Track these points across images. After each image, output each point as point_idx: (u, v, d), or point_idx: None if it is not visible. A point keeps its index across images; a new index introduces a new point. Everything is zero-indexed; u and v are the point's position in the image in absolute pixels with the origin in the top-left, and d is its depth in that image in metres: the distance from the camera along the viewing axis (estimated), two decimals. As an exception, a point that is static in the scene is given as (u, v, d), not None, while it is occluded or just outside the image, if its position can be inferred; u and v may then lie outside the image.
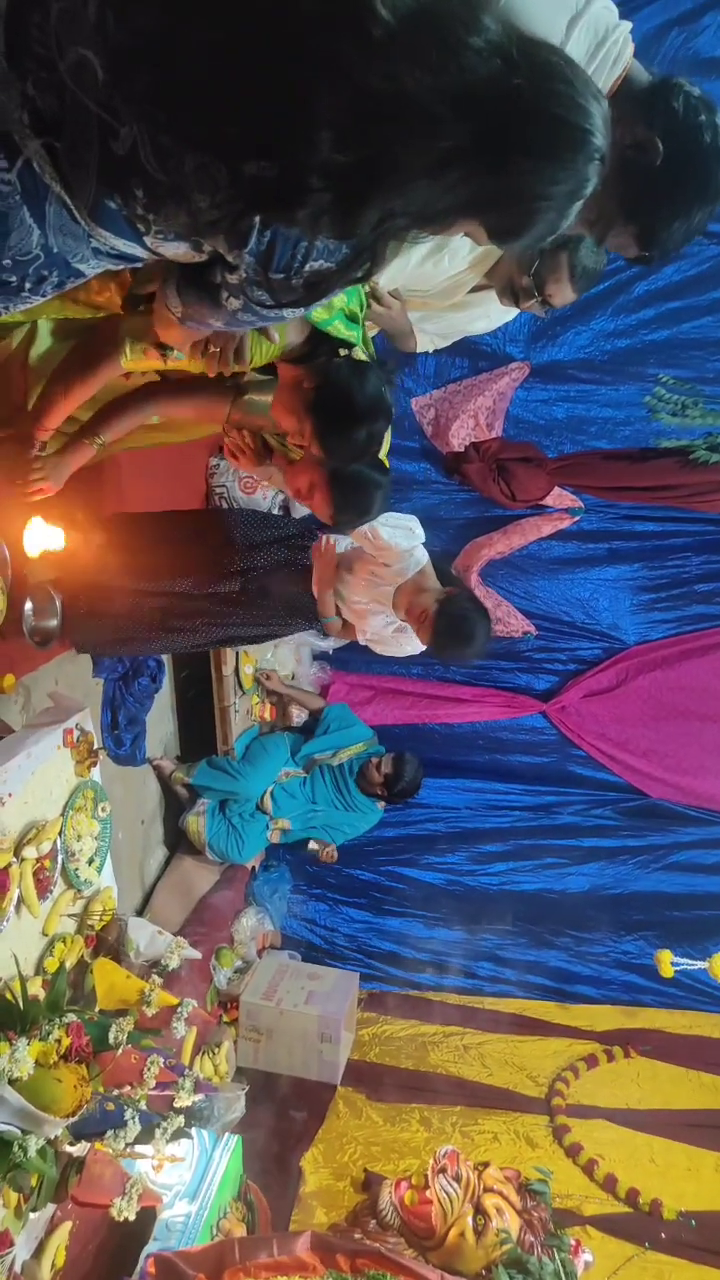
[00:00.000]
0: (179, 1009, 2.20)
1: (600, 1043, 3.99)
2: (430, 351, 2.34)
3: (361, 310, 1.82)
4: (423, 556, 2.41)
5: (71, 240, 0.94)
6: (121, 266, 1.03)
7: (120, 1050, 1.92)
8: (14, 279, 0.95)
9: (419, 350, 2.24)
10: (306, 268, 0.94)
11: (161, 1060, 2.04)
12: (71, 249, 0.95)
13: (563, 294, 1.91)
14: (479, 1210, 2.41)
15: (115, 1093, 1.97)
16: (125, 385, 1.98)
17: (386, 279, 1.98)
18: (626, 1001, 4.08)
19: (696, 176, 1.30)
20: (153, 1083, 2.02)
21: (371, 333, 2.05)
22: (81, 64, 0.78)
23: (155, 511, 2.60)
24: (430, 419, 3.67)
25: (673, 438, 3.54)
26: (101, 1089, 1.94)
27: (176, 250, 0.96)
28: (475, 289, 2.01)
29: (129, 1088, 2.01)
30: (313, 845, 3.91)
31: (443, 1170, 2.48)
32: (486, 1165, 2.58)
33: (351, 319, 1.76)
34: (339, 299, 1.68)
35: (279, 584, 2.61)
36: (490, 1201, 2.41)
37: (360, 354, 1.81)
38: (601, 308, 3.48)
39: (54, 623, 2.36)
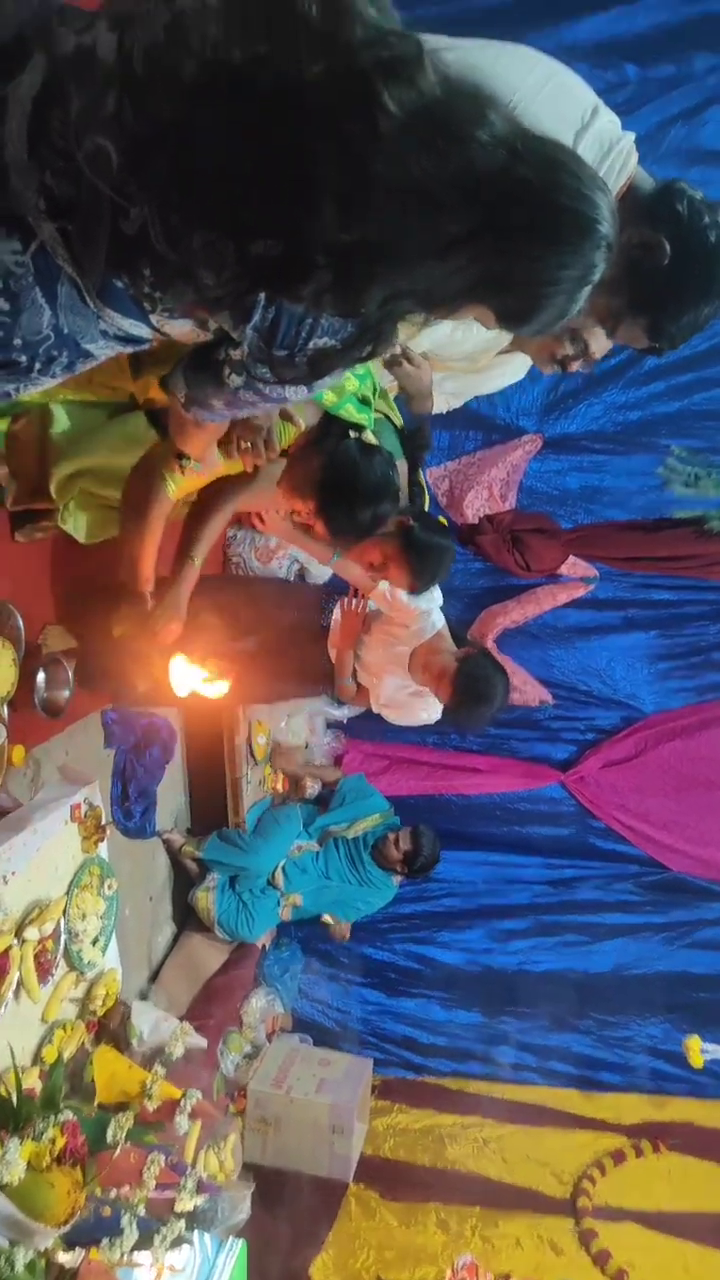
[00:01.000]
0: (182, 1101, 2.10)
1: (628, 1136, 3.79)
2: (445, 411, 2.38)
3: (374, 394, 1.86)
4: (439, 620, 2.41)
5: (81, 321, 0.95)
6: (129, 349, 1.04)
7: (119, 1149, 1.81)
8: (24, 359, 0.97)
9: (435, 410, 2.29)
10: (310, 345, 0.94)
11: (162, 1159, 1.93)
12: (81, 330, 0.97)
13: (602, 346, 1.95)
14: (501, 1327, 2.23)
15: (113, 1194, 1.86)
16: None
17: (417, 343, 2.03)
18: (654, 1090, 3.89)
19: (702, 274, 1.37)
20: (153, 1184, 1.91)
21: (393, 394, 2.08)
22: (98, 152, 0.80)
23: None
24: (445, 490, 3.70)
25: (686, 508, 3.55)
26: (99, 1190, 1.83)
27: (181, 328, 0.97)
28: (500, 351, 2.05)
29: (127, 1188, 1.90)
30: (326, 919, 3.79)
31: (462, 1282, 2.31)
32: (508, 1277, 2.40)
33: (364, 402, 1.79)
34: (351, 383, 1.72)
35: (296, 644, 2.60)
36: (513, 1318, 2.23)
37: (371, 437, 1.83)
38: (613, 381, 3.53)
39: (66, 693, 2.33)
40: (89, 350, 1.00)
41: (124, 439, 1.81)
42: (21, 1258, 1.57)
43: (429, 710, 2.58)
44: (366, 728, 3.91)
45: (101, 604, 2.06)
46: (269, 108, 0.76)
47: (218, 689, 1.92)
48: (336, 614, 2.62)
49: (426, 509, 2.10)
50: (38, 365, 0.98)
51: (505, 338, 2.00)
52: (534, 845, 3.92)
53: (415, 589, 2.11)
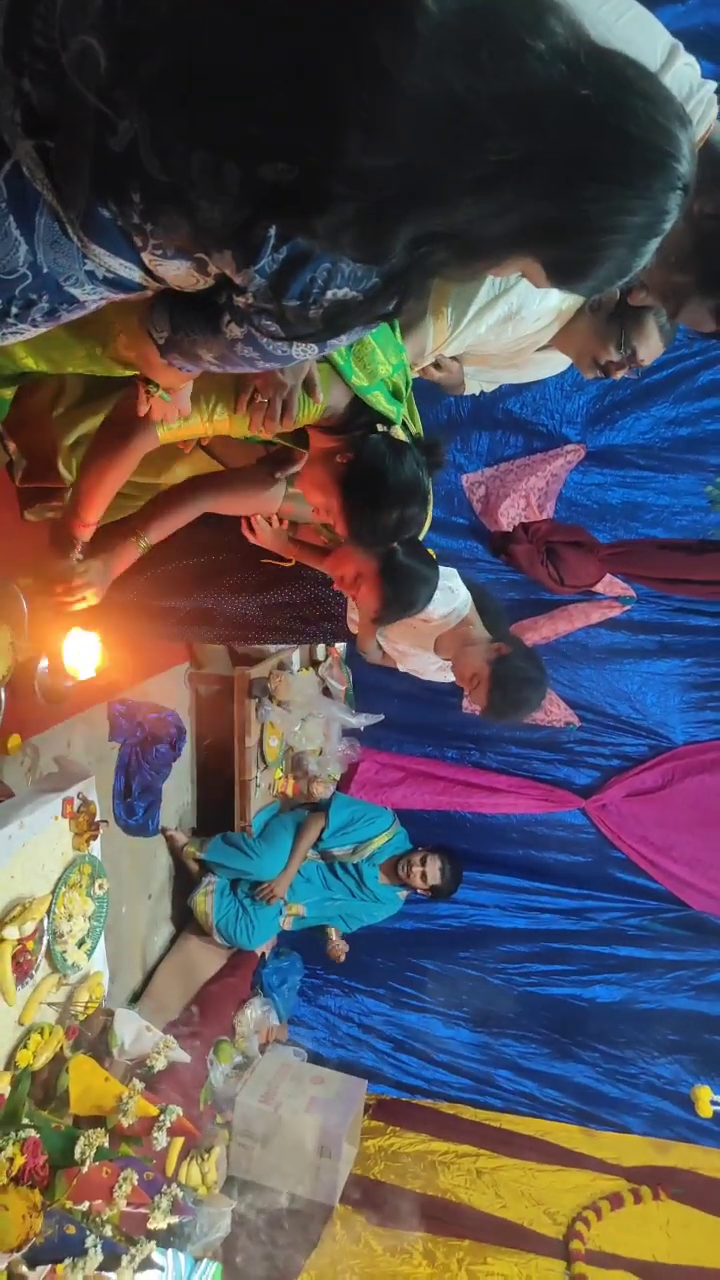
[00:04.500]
0: (161, 1118, 2.00)
1: (627, 1180, 3.66)
2: (478, 394, 2.26)
3: (407, 386, 1.73)
4: (464, 607, 2.21)
5: (63, 258, 0.83)
6: (119, 295, 0.91)
7: (85, 1168, 1.72)
8: None
9: (468, 393, 2.17)
10: (327, 295, 0.81)
11: (135, 1177, 1.84)
12: (63, 269, 0.84)
13: (652, 353, 1.83)
14: None
15: (82, 1208, 1.77)
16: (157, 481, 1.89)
17: (452, 349, 1.91)
18: (658, 1134, 3.74)
19: None
20: (123, 1203, 1.81)
21: (414, 373, 1.95)
22: (84, 53, 0.69)
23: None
24: (480, 496, 3.58)
25: (733, 532, 3.40)
26: (68, 1203, 1.74)
27: (177, 271, 0.84)
28: (539, 349, 1.94)
29: (99, 1203, 1.80)
30: (329, 930, 3.70)
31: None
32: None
33: (395, 394, 1.66)
34: (384, 368, 1.58)
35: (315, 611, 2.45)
36: None
37: (400, 433, 1.70)
38: (663, 394, 3.39)
39: (69, 682, 2.25)
40: (73, 294, 0.88)
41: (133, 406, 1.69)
42: (-29, 1279, 1.49)
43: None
44: (383, 736, 3.81)
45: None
46: (283, 2, 0.65)
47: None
48: (353, 615, 2.48)
49: (427, 530, 1.90)
50: (14, 309, 0.86)
51: (544, 337, 1.89)
52: (550, 871, 3.80)
53: (380, 618, 1.88)
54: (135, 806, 2.94)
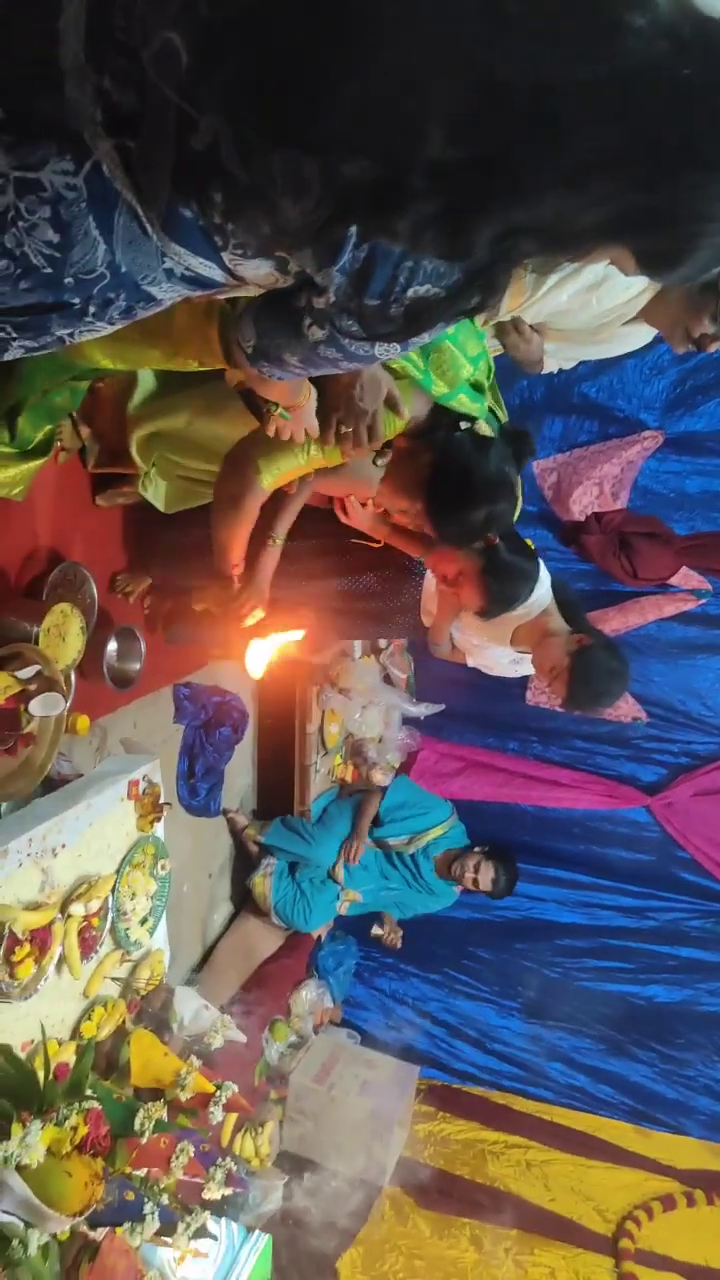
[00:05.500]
0: (217, 1094, 2.05)
1: (681, 1183, 3.60)
2: (556, 371, 2.19)
3: (490, 375, 1.69)
4: (546, 598, 2.16)
5: (142, 257, 0.83)
6: (198, 293, 0.90)
7: (145, 1139, 1.77)
8: (77, 300, 0.85)
9: (545, 370, 2.12)
10: (409, 294, 0.79)
11: (192, 1148, 1.88)
12: (142, 268, 0.84)
13: None
14: None
15: (141, 1175, 1.82)
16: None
17: (531, 315, 1.86)
18: (715, 1139, 3.67)
19: None
20: (180, 1173, 1.86)
21: (496, 354, 1.92)
22: (166, 49, 0.68)
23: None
24: (552, 483, 3.49)
25: None
26: (127, 1169, 1.79)
27: (258, 271, 0.83)
28: (625, 323, 1.88)
29: (156, 1170, 1.86)
30: (376, 931, 3.72)
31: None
32: (538, 1322, 2.27)
33: (476, 389, 1.63)
34: (465, 369, 1.55)
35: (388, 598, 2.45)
36: None
37: (485, 428, 1.67)
38: (748, 380, 3.25)
39: (137, 665, 2.29)
40: (150, 293, 0.87)
41: (206, 403, 1.72)
42: (35, 1241, 1.54)
43: (526, 669, 2.39)
44: (444, 726, 3.78)
45: (192, 574, 2.03)
46: None
47: (292, 637, 1.96)
48: (430, 585, 2.44)
49: (517, 520, 1.91)
50: (92, 308, 0.86)
51: (632, 309, 1.81)
52: (611, 868, 3.73)
53: (486, 613, 1.92)
54: (198, 787, 2.99)
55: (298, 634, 2.01)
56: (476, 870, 3.42)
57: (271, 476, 1.62)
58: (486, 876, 3.42)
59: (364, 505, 1.99)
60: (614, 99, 0.61)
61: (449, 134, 0.63)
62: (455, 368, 1.53)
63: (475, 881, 3.44)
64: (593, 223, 0.68)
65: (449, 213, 0.67)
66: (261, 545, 1.87)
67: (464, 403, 1.58)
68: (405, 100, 0.63)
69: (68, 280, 0.82)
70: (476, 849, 3.50)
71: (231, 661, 2.13)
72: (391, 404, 1.50)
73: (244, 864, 3.46)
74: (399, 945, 3.67)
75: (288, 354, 0.97)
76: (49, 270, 0.80)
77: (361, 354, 0.90)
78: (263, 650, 1.96)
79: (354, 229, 0.74)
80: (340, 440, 1.52)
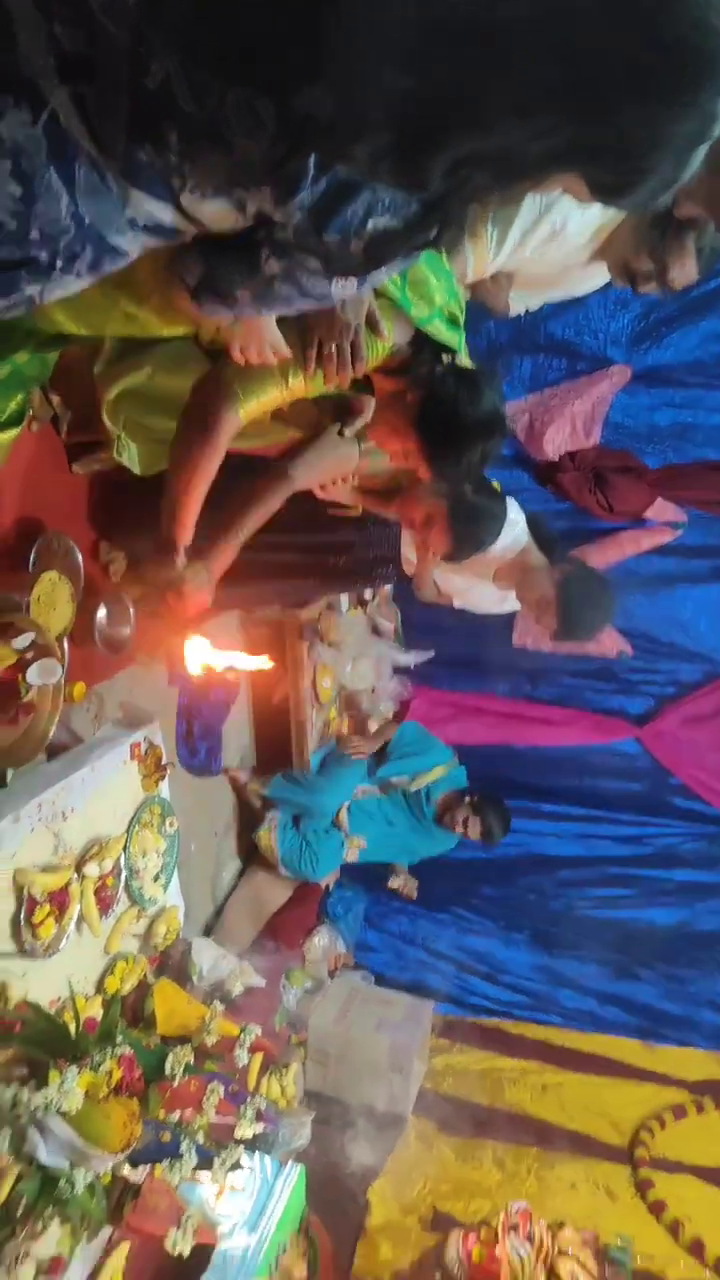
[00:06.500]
0: (242, 1036, 2.12)
1: (690, 1092, 3.74)
2: (523, 312, 2.20)
3: (462, 312, 1.69)
4: (523, 536, 2.20)
5: (104, 207, 0.84)
6: (159, 241, 0.91)
7: (177, 1082, 1.84)
8: (44, 255, 0.86)
9: (511, 314, 2.13)
10: (368, 226, 0.80)
11: (222, 1088, 1.96)
12: (105, 218, 0.85)
13: (686, 275, 1.77)
14: (551, 1274, 2.24)
15: (175, 1118, 1.90)
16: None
17: (499, 262, 1.87)
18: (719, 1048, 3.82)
19: None
20: (212, 1113, 1.94)
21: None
22: None
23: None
24: (524, 425, 3.51)
25: (789, 448, 3.30)
26: (161, 1112, 1.87)
27: (215, 210, 0.84)
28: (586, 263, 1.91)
29: (189, 1111, 1.94)
30: (393, 883, 3.81)
31: (514, 1228, 2.32)
32: (562, 1225, 2.40)
33: (452, 321, 1.62)
34: (439, 295, 1.54)
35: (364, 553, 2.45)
36: (565, 1267, 2.24)
37: (465, 361, 1.66)
38: (712, 308, 3.26)
39: (127, 630, 2.32)
40: (116, 245, 0.89)
41: (168, 357, 1.68)
42: (81, 1179, 1.62)
43: (513, 604, 2.43)
44: (434, 673, 3.83)
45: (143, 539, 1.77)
46: None
47: (255, 663, 1.66)
48: (411, 554, 2.47)
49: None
50: (59, 263, 0.87)
51: (587, 251, 1.83)
52: (605, 800, 3.83)
53: (454, 556, 1.91)
54: (198, 747, 3.03)
55: (262, 660, 1.68)
56: (465, 824, 3.50)
57: (250, 403, 1.48)
58: (475, 828, 3.50)
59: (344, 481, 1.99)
60: (557, 34, 0.63)
61: (402, 64, 0.64)
62: (429, 290, 1.49)
63: (466, 833, 3.52)
64: (542, 152, 0.69)
65: (404, 142, 0.69)
66: (222, 539, 1.70)
67: (440, 330, 1.56)
68: (358, 34, 0.64)
69: (33, 235, 0.83)
70: (466, 799, 3.56)
71: (157, 663, 1.85)
72: (372, 322, 1.45)
73: (248, 820, 3.53)
74: (414, 895, 3.77)
75: (239, 289, 0.97)
76: (14, 225, 0.81)
77: (317, 291, 0.91)
78: (207, 652, 1.62)
79: (312, 162, 0.75)
80: (322, 363, 1.45)
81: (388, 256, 0.85)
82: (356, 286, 0.92)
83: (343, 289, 0.91)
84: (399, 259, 0.87)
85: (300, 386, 1.53)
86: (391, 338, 1.51)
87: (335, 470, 1.87)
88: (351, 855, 3.60)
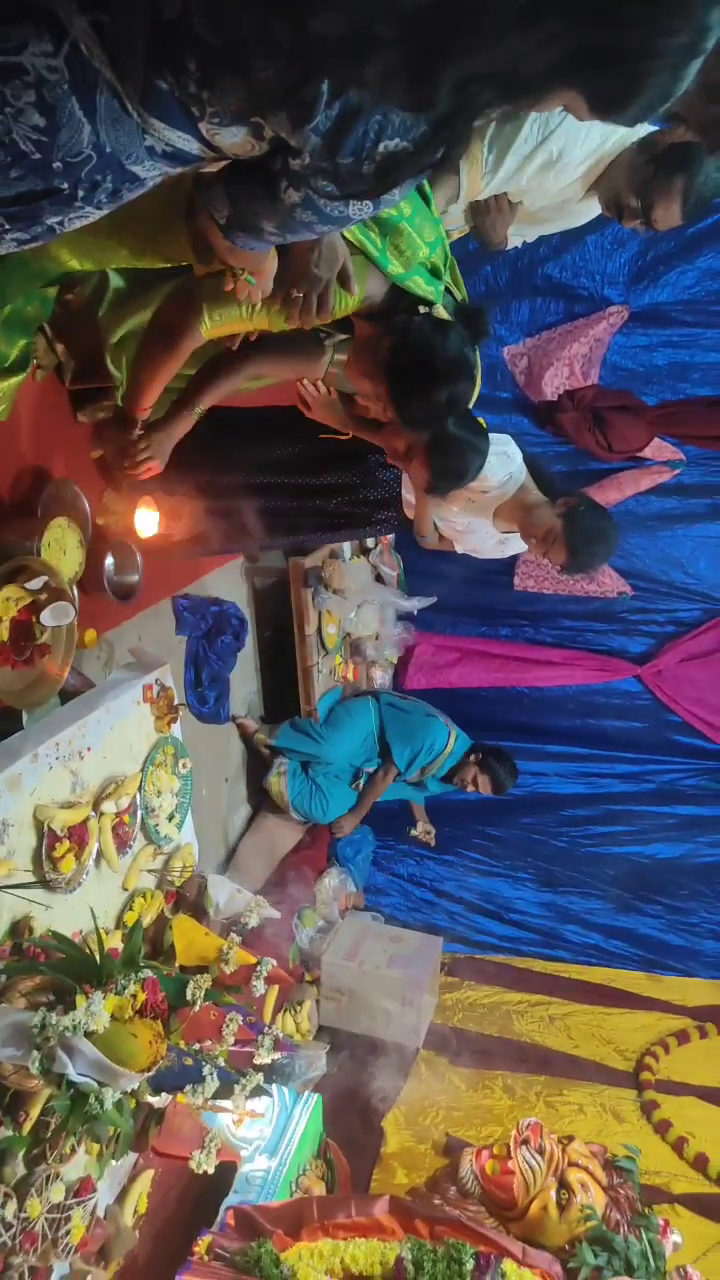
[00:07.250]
0: (258, 968, 2.20)
1: (693, 1019, 3.85)
2: (519, 245, 2.20)
3: (446, 260, 1.71)
4: (520, 473, 2.21)
5: (124, 136, 0.86)
6: (177, 168, 0.94)
7: (197, 1007, 1.91)
8: (66, 185, 0.88)
9: (508, 247, 2.15)
10: (380, 148, 0.83)
11: (240, 1018, 2.04)
12: (125, 147, 0.87)
13: (669, 218, 1.79)
14: (562, 1184, 2.33)
15: (195, 1047, 1.98)
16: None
17: (494, 186, 1.87)
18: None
19: None
20: (232, 1040, 2.02)
21: (460, 235, 1.93)
22: None
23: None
24: (523, 368, 3.50)
25: (786, 384, 3.29)
26: (181, 1043, 1.95)
27: (234, 138, 0.87)
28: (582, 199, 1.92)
29: (209, 1042, 2.01)
30: (414, 831, 3.89)
31: (525, 1142, 2.41)
32: (571, 1139, 2.50)
33: (434, 273, 1.65)
34: (422, 250, 1.57)
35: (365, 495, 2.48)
36: (574, 1176, 2.33)
37: (442, 312, 1.69)
38: (709, 245, 3.24)
39: (135, 578, 2.34)
40: (135, 172, 0.91)
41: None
42: (110, 1097, 1.69)
43: (516, 546, 2.45)
44: (437, 619, 3.87)
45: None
46: None
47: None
48: (408, 496, 2.49)
49: (476, 398, 1.90)
50: (81, 192, 0.89)
51: (583, 183, 1.83)
52: (608, 739, 3.89)
53: (434, 488, 1.93)
54: (206, 695, 3.08)
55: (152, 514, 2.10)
56: (475, 783, 3.57)
57: (214, 323, 1.59)
58: (486, 785, 3.57)
59: (315, 388, 2.00)
60: None
61: None
62: (412, 248, 1.54)
63: (477, 789, 3.59)
64: (546, 64, 0.71)
65: (413, 60, 0.71)
66: (180, 410, 1.88)
67: (419, 284, 1.60)
68: None
69: (56, 165, 0.85)
70: (471, 758, 3.61)
71: (112, 521, 2.16)
72: (344, 278, 1.50)
73: (258, 767, 3.59)
74: (434, 843, 3.85)
75: (265, 221, 1.01)
76: (38, 155, 0.83)
77: (336, 214, 0.94)
78: (149, 517, 2.00)
79: (325, 86, 0.77)
80: (289, 305, 1.51)
81: (398, 179, 0.88)
82: (372, 209, 0.94)
83: (360, 211, 0.94)
84: (409, 180, 0.90)
85: (263, 321, 1.61)
86: (363, 292, 1.57)
87: (298, 366, 1.90)
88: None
